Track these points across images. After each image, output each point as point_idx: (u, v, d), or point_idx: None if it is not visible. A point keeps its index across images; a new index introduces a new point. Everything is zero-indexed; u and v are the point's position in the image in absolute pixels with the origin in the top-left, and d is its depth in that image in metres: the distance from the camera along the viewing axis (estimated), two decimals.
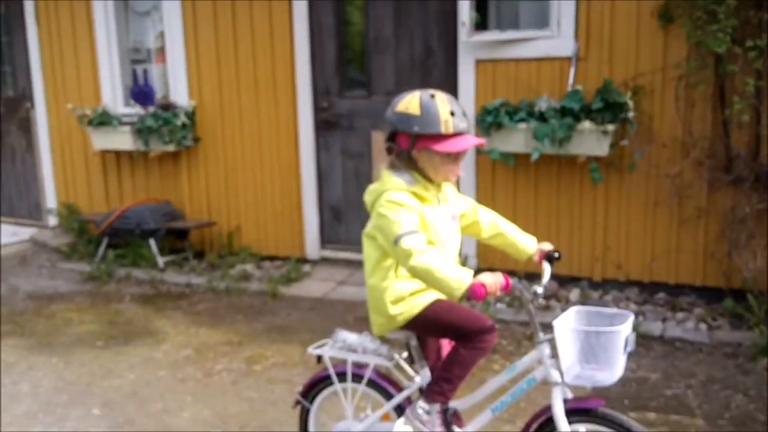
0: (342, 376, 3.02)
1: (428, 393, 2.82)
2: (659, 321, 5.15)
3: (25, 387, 4.48)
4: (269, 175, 7.07)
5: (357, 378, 2.96)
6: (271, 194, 7.11)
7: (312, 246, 7.05)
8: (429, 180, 2.77)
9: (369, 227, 2.84)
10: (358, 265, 6.90)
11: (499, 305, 5.64)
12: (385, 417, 2.93)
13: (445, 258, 2.61)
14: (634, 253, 5.64)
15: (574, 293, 5.63)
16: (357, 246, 6.99)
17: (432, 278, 2.53)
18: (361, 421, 2.99)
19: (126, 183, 7.84)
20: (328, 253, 7.06)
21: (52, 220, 8.28)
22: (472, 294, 2.46)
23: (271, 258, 7.22)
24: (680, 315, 5.20)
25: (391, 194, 2.70)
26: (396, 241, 2.60)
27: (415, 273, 2.58)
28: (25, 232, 8.26)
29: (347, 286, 6.46)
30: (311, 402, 3.14)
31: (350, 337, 3.02)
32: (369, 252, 2.85)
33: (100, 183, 7.96)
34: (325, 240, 7.08)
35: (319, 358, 3.10)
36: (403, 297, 2.76)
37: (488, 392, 2.83)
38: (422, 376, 2.89)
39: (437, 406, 2.79)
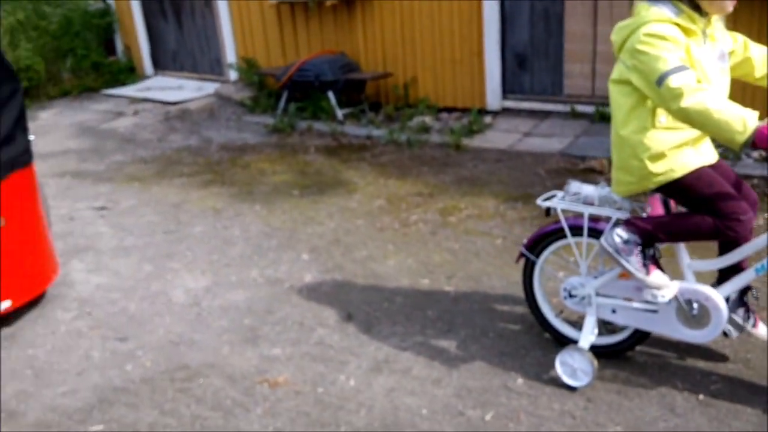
0: (575, 230, 2.82)
1: (630, 222, 2.57)
2: None
3: (237, 231, 4.73)
4: (448, 20, 6.68)
5: (593, 232, 2.75)
6: (450, 41, 6.75)
7: (493, 96, 6.71)
8: (698, 12, 2.34)
9: (617, 71, 2.49)
10: (543, 115, 6.52)
11: (746, 159, 5.11)
12: (623, 275, 2.72)
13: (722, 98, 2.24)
14: None
15: None
16: (543, 95, 6.61)
17: (709, 121, 2.18)
18: (594, 278, 2.81)
19: (301, 35, 7.78)
20: (510, 104, 6.71)
21: (233, 75, 8.50)
22: (759, 138, 2.10)
23: (449, 109, 6.99)
24: None
25: (652, 26, 2.31)
26: (660, 80, 2.25)
27: (686, 116, 2.24)
28: (209, 87, 8.57)
29: (534, 137, 6.13)
30: (537, 256, 2.99)
31: (586, 188, 2.77)
32: (619, 99, 2.50)
33: (276, 36, 7.96)
34: (507, 89, 6.70)
35: (548, 211, 2.90)
36: (663, 154, 2.43)
37: (751, 251, 2.51)
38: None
39: (635, 238, 2.54)
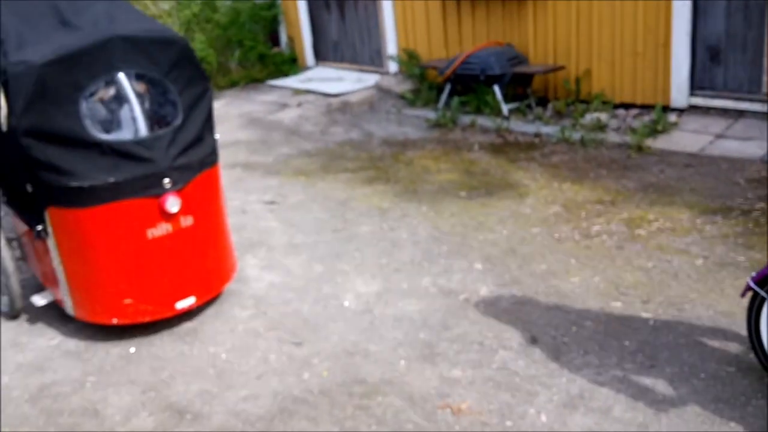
0: None
1: None
2: None
3: (404, 233, 4.59)
4: (631, 9, 6.15)
5: None
6: (632, 32, 6.22)
7: (679, 92, 6.11)
8: None
9: None
10: (737, 115, 5.86)
11: None
12: None
13: None
14: None
15: None
16: (738, 92, 5.92)
17: None
18: None
19: (466, 26, 7.51)
20: (699, 101, 6.08)
21: (392, 66, 8.40)
22: None
23: (626, 106, 6.47)
24: None
25: None
26: None
27: None
28: (369, 79, 8.53)
29: (728, 140, 5.51)
30: None
31: None
32: None
33: (440, 27, 7.76)
34: (696, 85, 6.07)
35: None
36: None
37: None
38: None
39: None
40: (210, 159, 3.56)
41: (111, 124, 3.30)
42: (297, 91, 8.60)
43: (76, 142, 3.17)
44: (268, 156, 6.46)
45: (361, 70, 8.93)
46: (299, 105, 8.03)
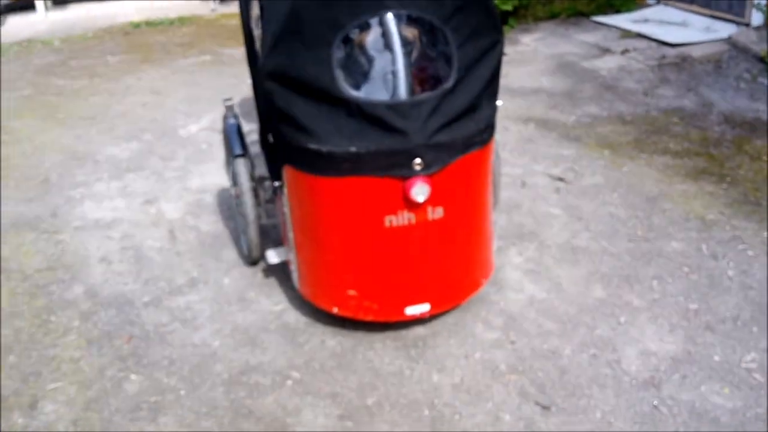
0: None
1: None
2: None
3: (730, 268, 3.31)
4: None
5: None
6: None
7: None
8: None
9: None
10: None
11: None
12: None
13: None
14: None
15: None
16: None
17: None
18: None
19: None
20: None
21: (756, 18, 6.52)
22: None
23: None
24: None
25: None
26: None
27: None
28: (721, 29, 6.77)
29: None
30: None
31: None
32: None
33: None
34: None
35: None
36: None
37: None
38: None
39: None
40: (480, 138, 2.69)
41: (363, 78, 2.59)
42: (625, 33, 7.19)
43: (322, 95, 2.53)
44: (571, 114, 5.36)
45: (713, 17, 7.15)
46: (624, 52, 6.66)
